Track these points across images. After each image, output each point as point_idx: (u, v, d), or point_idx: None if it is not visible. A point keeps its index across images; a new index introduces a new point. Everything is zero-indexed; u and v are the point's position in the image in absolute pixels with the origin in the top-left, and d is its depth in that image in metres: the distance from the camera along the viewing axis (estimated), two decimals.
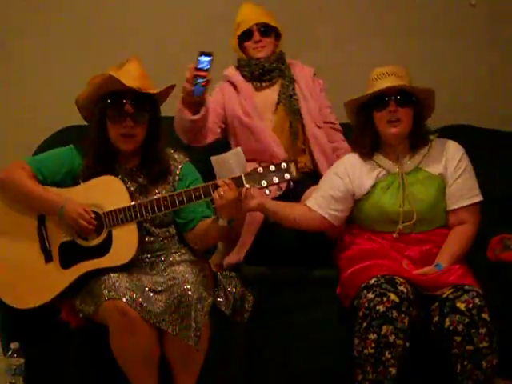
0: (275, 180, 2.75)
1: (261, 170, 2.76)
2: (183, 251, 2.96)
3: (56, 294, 2.83)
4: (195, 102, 3.12)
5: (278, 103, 3.43)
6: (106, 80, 2.86)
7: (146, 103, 2.90)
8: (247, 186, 2.77)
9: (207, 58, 2.98)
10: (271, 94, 3.46)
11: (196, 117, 3.15)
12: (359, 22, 4.19)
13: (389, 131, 3.01)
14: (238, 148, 2.87)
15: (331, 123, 3.53)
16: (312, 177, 3.36)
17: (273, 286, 3.15)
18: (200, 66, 2.99)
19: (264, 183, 2.75)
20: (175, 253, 2.94)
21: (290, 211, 3.05)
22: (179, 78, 3.05)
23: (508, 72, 4.22)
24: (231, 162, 2.81)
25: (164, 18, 4.07)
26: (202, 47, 3.02)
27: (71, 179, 2.94)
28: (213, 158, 2.86)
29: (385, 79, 2.99)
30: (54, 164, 2.94)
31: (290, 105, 3.42)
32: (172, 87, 2.96)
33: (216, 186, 2.77)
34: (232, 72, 3.49)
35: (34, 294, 2.84)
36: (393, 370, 2.78)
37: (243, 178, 2.77)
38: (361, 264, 2.95)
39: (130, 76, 2.87)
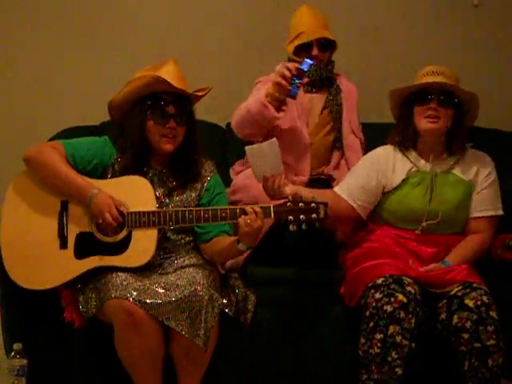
0: (302, 218, 2.78)
1: (290, 205, 2.79)
2: (193, 254, 2.96)
3: (64, 281, 2.82)
4: (283, 101, 3.12)
5: (324, 108, 3.44)
6: (150, 81, 2.86)
7: (186, 105, 2.94)
8: (273, 217, 2.79)
9: (310, 62, 3.07)
10: (318, 98, 3.46)
11: (280, 114, 3.14)
12: (363, 23, 4.21)
13: (425, 126, 3.04)
14: (274, 139, 2.89)
15: (360, 139, 3.54)
16: (325, 184, 3.38)
17: (276, 286, 3.14)
18: (302, 67, 3.05)
19: (291, 218, 2.78)
20: (184, 256, 2.94)
21: (323, 198, 3.01)
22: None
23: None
24: (266, 152, 2.83)
25: (167, 17, 4.09)
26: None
27: (101, 171, 2.94)
28: (248, 148, 2.88)
29: (432, 77, 3.04)
30: (88, 152, 2.93)
31: (335, 110, 3.43)
32: (209, 89, 3.00)
33: (243, 212, 2.79)
34: None
35: (41, 277, 2.82)
36: (399, 371, 2.78)
37: (271, 210, 2.79)
38: (368, 263, 2.96)
39: (171, 77, 2.89)
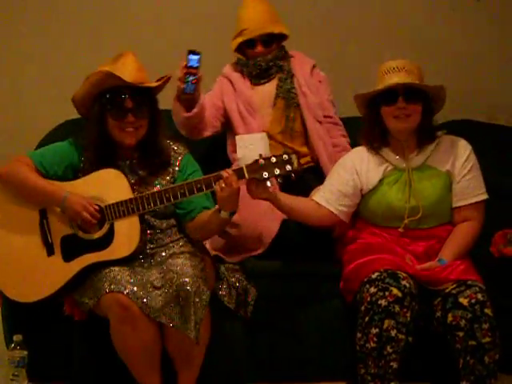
0: (277, 171, 2.74)
1: (262, 161, 2.75)
2: (182, 243, 2.95)
3: (58, 287, 2.83)
4: (189, 99, 3.14)
5: (276, 97, 3.43)
6: (104, 76, 2.84)
7: (146, 97, 2.90)
8: (247, 176, 2.76)
9: (196, 57, 3.02)
10: (269, 88, 3.44)
11: (189, 114, 3.19)
12: (363, 20, 4.17)
13: (396, 126, 2.98)
14: (263, 133, 2.92)
15: (329, 117, 3.50)
16: (314, 171, 3.37)
17: (276, 279, 3.14)
18: (190, 64, 3.02)
19: (265, 175, 2.74)
20: (175, 244, 2.94)
21: (301, 205, 3.04)
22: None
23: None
24: (256, 142, 2.81)
25: (163, 11, 4.10)
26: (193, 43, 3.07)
27: (72, 173, 2.93)
28: (238, 137, 2.88)
29: (395, 74, 2.95)
30: (55, 158, 2.93)
31: (288, 98, 3.41)
32: (168, 79, 2.96)
33: (218, 178, 2.77)
34: (229, 69, 3.50)
35: (36, 288, 2.84)
36: (394, 365, 2.77)
37: (244, 170, 2.76)
38: (364, 258, 2.94)
39: (128, 70, 2.86)
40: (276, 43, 3.43)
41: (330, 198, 3.06)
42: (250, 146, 2.80)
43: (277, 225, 3.15)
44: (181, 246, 2.93)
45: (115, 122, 2.88)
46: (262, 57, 3.40)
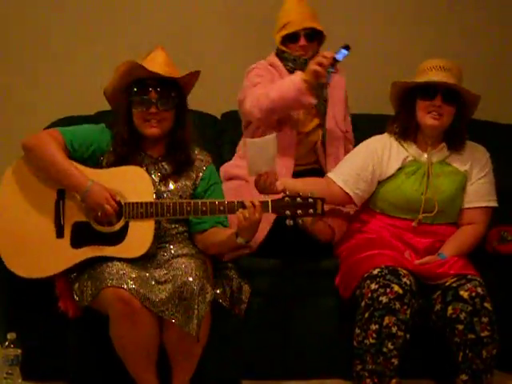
0: (299, 212, 2.78)
1: (288, 200, 2.78)
2: (182, 245, 2.94)
3: (59, 270, 2.81)
4: (316, 87, 3.16)
5: None
6: (130, 67, 2.86)
7: (171, 90, 2.90)
8: (271, 212, 2.79)
9: (346, 52, 3.08)
10: None
11: (315, 100, 3.18)
12: (372, 10, 4.22)
13: (428, 122, 3.04)
14: (274, 134, 2.91)
15: (347, 132, 3.53)
16: (317, 173, 3.37)
17: (271, 276, 3.14)
18: (338, 57, 3.07)
19: (288, 213, 2.78)
20: (178, 246, 2.92)
21: (312, 188, 2.98)
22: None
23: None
24: (267, 147, 2.83)
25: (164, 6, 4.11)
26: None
27: (97, 158, 2.92)
28: (249, 141, 2.89)
29: (439, 72, 3.01)
30: (86, 139, 2.91)
31: (319, 107, 3.40)
32: (197, 73, 2.96)
33: (241, 205, 2.78)
34: (277, 61, 3.47)
35: (37, 266, 2.81)
36: (395, 361, 2.80)
37: (269, 205, 2.78)
38: (363, 254, 2.97)
39: (155, 63, 2.88)
40: (317, 43, 3.44)
41: (347, 179, 3.10)
42: (261, 149, 2.83)
43: (267, 225, 3.14)
44: (183, 248, 2.92)
45: (139, 113, 2.88)
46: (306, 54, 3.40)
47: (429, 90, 3.02)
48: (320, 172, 3.38)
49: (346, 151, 3.45)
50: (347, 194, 3.09)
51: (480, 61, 4.20)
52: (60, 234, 2.83)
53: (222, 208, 2.80)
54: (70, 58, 3.97)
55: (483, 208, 3.10)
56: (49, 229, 2.83)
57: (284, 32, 3.39)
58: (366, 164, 3.11)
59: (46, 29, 4.01)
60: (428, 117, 3.03)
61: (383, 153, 3.12)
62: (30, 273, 2.81)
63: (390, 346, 2.78)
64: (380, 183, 3.12)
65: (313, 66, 3.10)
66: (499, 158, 3.23)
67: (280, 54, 3.45)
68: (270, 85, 3.29)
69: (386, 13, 4.23)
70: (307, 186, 2.99)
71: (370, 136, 3.27)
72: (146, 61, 2.89)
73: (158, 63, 2.88)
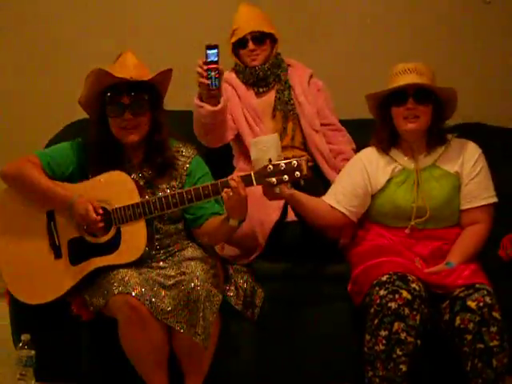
0: (285, 178, 2.70)
1: (271, 167, 2.70)
2: (192, 248, 2.94)
3: (65, 290, 2.84)
4: (213, 95, 3.11)
5: (274, 109, 3.43)
6: (97, 75, 2.82)
7: (145, 93, 2.86)
8: (255, 184, 2.73)
9: (214, 51, 3.00)
10: (269, 99, 3.45)
11: (218, 107, 3.13)
12: (375, 20, 4.18)
13: (405, 127, 3.00)
14: (276, 133, 2.92)
15: (331, 124, 3.52)
16: (315, 170, 3.38)
17: (284, 281, 3.14)
18: (210, 59, 3.01)
19: (274, 181, 2.71)
20: (185, 249, 2.93)
21: (316, 205, 3.03)
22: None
23: None
24: (269, 146, 2.78)
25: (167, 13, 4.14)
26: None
27: (80, 174, 2.91)
28: (252, 140, 2.87)
29: (406, 75, 2.98)
30: (63, 158, 2.91)
31: (286, 110, 3.42)
32: (169, 71, 2.91)
33: (226, 185, 2.74)
34: (232, 76, 3.49)
35: (43, 291, 2.85)
36: (403, 367, 2.77)
37: (252, 177, 2.74)
38: (373, 260, 2.95)
39: (124, 67, 2.84)
40: (269, 44, 3.43)
41: (341, 199, 3.07)
42: (263, 148, 2.79)
43: (275, 215, 3.14)
44: (193, 251, 2.92)
45: (114, 120, 2.86)
46: (259, 66, 3.40)
47: (399, 96, 2.98)
48: (315, 168, 3.37)
49: (338, 144, 3.47)
50: (343, 213, 3.06)
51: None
52: (58, 254, 2.86)
53: (206, 192, 2.76)
54: (81, 61, 3.94)
55: (483, 206, 3.03)
56: (46, 252, 2.87)
57: (233, 39, 3.41)
58: (357, 181, 3.08)
59: (56, 27, 4.06)
60: (404, 122, 2.99)
61: (371, 167, 3.09)
62: (38, 299, 2.86)
63: (398, 352, 2.75)
64: (372, 196, 3.09)
65: (197, 78, 3.05)
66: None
67: (235, 67, 3.47)
68: None
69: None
70: (310, 201, 3.00)
71: (360, 141, 3.28)
72: (115, 66, 2.85)
73: (126, 67, 2.84)
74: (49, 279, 2.85)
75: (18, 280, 2.88)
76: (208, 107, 3.11)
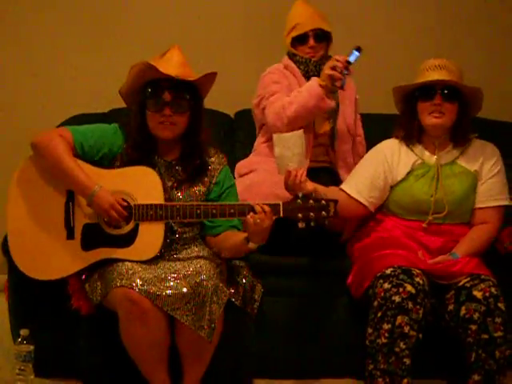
0: (311, 215, 2.74)
1: (300, 202, 2.75)
2: (201, 248, 2.93)
3: (70, 273, 2.81)
4: (333, 91, 3.20)
5: None
6: (143, 68, 2.82)
7: (187, 92, 2.86)
8: (282, 215, 2.75)
9: (358, 54, 3.10)
10: None
11: (334, 103, 3.21)
12: (372, 17, 4.23)
13: (430, 122, 3.05)
14: (301, 130, 2.93)
15: (358, 136, 3.56)
16: (329, 172, 3.41)
17: (282, 276, 3.15)
18: (351, 59, 3.09)
19: (300, 216, 2.74)
20: (193, 248, 2.92)
21: (334, 195, 3.02)
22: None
23: None
24: (293, 142, 2.81)
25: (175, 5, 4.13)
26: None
27: (109, 160, 2.88)
28: (276, 136, 2.89)
29: (435, 72, 3.03)
30: (97, 142, 2.87)
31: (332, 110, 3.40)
32: (213, 75, 2.91)
33: (252, 209, 2.74)
34: (292, 63, 3.48)
35: (48, 267, 2.81)
36: (407, 361, 2.79)
37: (280, 208, 2.75)
38: (376, 253, 2.97)
39: (170, 64, 2.84)
40: (326, 44, 3.45)
41: (362, 189, 3.10)
42: (287, 145, 2.81)
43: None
44: (201, 250, 2.91)
45: (153, 114, 2.84)
46: (320, 59, 3.41)
47: (427, 91, 3.03)
48: (331, 170, 3.41)
49: (358, 155, 3.47)
50: (361, 204, 3.09)
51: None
52: (71, 235, 2.82)
53: (232, 211, 2.77)
54: (83, 54, 3.98)
55: (495, 207, 3.09)
56: (59, 230, 2.82)
57: (293, 34, 3.42)
58: (378, 172, 3.11)
59: (58, 24, 4.03)
60: (429, 117, 3.04)
61: (392, 158, 3.13)
62: (42, 275, 2.82)
63: (402, 345, 2.77)
64: (391, 187, 3.12)
65: (327, 70, 3.13)
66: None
67: (292, 57, 3.47)
68: (287, 94, 3.29)
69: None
70: (330, 193, 2.98)
71: (381, 135, 3.28)
72: (161, 61, 2.84)
73: (172, 64, 2.84)
74: (56, 258, 2.81)
75: (24, 250, 2.83)
76: (329, 102, 3.19)
